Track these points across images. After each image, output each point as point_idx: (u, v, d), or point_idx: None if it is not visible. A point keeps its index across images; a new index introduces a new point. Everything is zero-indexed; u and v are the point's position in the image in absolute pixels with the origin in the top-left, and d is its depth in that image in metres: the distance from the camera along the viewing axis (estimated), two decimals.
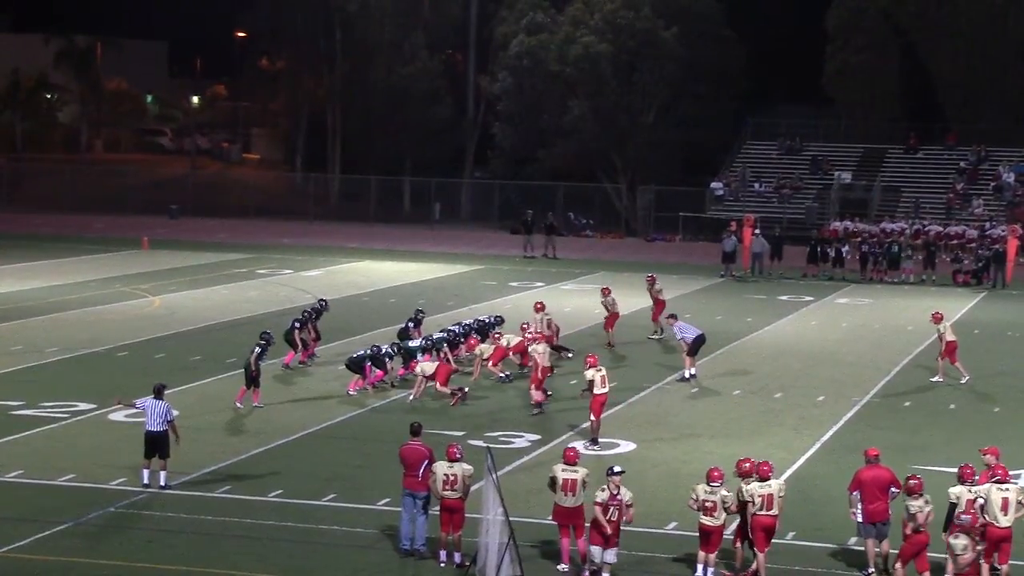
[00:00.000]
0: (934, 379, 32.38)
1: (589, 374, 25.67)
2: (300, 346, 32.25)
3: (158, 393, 22.53)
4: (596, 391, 25.52)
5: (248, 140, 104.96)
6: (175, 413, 23.05)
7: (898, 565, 18.15)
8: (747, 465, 18.85)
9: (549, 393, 28.75)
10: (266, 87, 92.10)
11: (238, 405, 28.10)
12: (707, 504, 18.44)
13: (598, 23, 69.44)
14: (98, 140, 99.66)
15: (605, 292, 36.55)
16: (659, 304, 37.50)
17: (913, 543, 18.02)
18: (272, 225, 68.41)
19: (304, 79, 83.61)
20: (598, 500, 18.26)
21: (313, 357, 32.70)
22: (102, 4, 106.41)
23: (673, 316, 32.75)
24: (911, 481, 18.24)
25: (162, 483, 22.05)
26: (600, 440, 25.57)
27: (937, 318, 32.68)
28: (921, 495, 18.06)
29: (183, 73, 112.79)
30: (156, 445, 22.08)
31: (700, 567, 18.60)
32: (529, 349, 29.60)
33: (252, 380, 28.12)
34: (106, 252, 55.74)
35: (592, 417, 25.62)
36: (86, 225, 65.99)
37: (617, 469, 18.49)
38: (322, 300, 35.46)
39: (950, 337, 32.23)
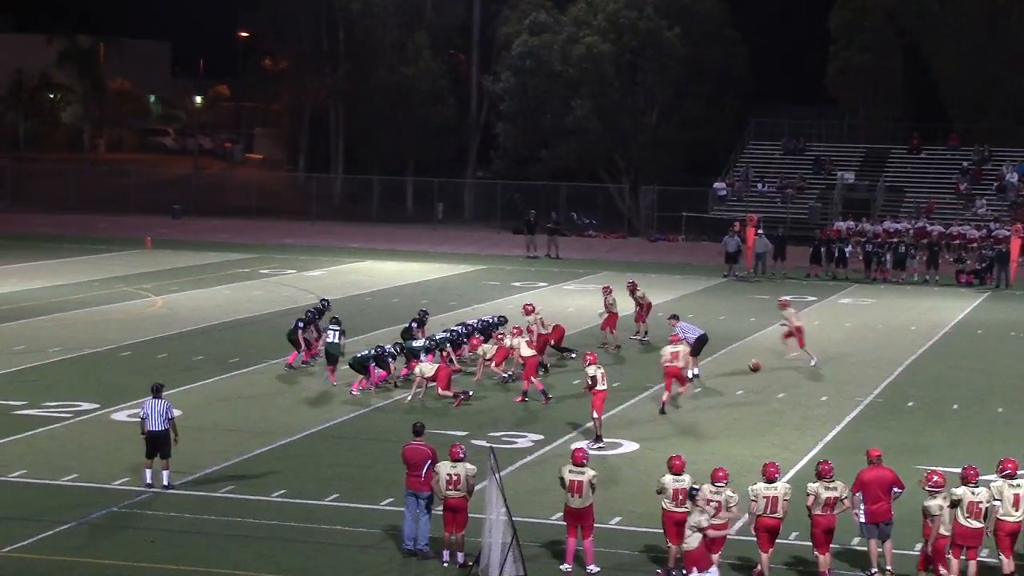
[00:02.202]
0: (791, 356, 33.80)
1: (591, 371, 25.71)
2: (303, 346, 32.25)
3: (156, 392, 22.50)
4: (597, 387, 25.58)
5: (251, 140, 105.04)
6: (175, 412, 23.03)
7: (818, 553, 18.54)
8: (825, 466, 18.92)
9: (547, 392, 29.25)
10: (269, 87, 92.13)
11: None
12: (712, 504, 18.43)
13: (601, 23, 69.43)
14: (101, 140, 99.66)
15: (607, 291, 36.50)
16: (645, 307, 37.37)
17: (816, 524, 18.43)
18: (275, 225, 68.42)
19: (307, 79, 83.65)
20: (702, 524, 17.35)
21: (316, 357, 32.69)
22: (105, 4, 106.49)
23: (675, 316, 32.72)
24: (822, 466, 18.71)
25: (165, 483, 22.03)
26: (604, 439, 25.58)
27: (782, 305, 34.38)
28: (831, 480, 18.44)
29: (186, 73, 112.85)
30: (157, 444, 22.05)
31: None
32: (513, 343, 30.09)
33: (335, 360, 29.95)
34: (109, 252, 55.76)
35: (595, 415, 25.65)
36: (89, 225, 66.02)
37: (697, 487, 18.24)
38: (324, 300, 35.46)
39: (798, 322, 33.57)
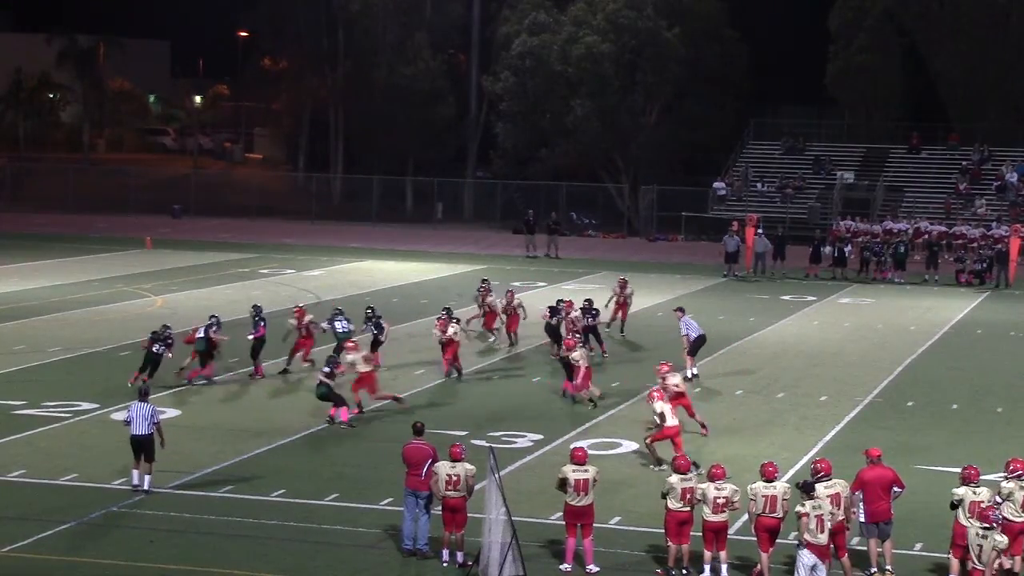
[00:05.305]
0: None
1: (574, 354, 25.90)
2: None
3: (143, 395, 22.39)
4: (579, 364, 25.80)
5: (250, 140, 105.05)
6: (162, 415, 22.89)
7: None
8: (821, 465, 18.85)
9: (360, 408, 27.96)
10: (268, 87, 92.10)
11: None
12: (715, 502, 18.46)
13: (600, 23, 69.39)
14: (101, 140, 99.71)
15: (622, 284, 37.68)
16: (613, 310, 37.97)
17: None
18: (274, 225, 68.42)
19: (306, 79, 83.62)
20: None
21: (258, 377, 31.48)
22: (105, 3, 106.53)
23: (680, 309, 32.94)
24: (818, 464, 18.72)
25: (145, 487, 21.82)
26: (601, 440, 25.61)
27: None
28: (829, 478, 18.41)
29: (186, 73, 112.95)
30: (141, 448, 21.90)
31: (706, 567, 18.60)
32: (350, 358, 27.93)
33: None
34: (109, 252, 55.75)
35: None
36: (89, 225, 66.01)
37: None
38: (256, 304, 33.53)
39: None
